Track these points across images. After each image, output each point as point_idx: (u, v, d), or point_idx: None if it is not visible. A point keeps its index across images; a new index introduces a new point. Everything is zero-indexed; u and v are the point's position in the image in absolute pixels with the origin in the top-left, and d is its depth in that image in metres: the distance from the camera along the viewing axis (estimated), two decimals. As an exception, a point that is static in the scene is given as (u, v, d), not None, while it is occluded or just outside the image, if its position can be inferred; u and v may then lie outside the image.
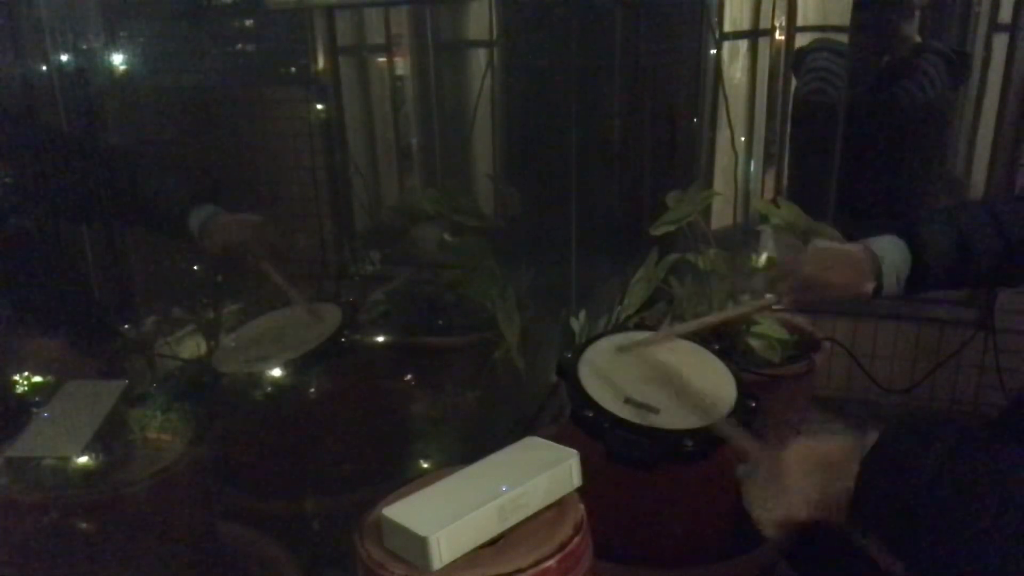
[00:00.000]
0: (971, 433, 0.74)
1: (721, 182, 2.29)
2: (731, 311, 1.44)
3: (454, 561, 0.68)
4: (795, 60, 2.17)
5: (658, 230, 1.58)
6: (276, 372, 1.17)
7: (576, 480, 0.77)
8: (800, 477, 0.80)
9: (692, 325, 1.20)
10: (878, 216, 2.15)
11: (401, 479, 0.81)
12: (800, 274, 1.12)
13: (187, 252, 1.37)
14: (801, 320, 1.77)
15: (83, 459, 0.90)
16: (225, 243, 1.28)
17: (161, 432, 1.00)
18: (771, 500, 0.82)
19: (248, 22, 1.71)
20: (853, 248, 1.11)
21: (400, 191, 2.10)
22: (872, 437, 0.78)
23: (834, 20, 2.18)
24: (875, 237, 1.11)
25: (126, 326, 1.31)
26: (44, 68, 1.10)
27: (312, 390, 1.24)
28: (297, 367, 1.19)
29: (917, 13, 2.12)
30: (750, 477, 0.86)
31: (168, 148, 1.40)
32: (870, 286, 1.08)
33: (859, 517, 0.77)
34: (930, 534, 0.70)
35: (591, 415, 0.93)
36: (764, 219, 1.75)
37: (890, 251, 1.09)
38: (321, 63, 1.86)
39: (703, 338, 1.27)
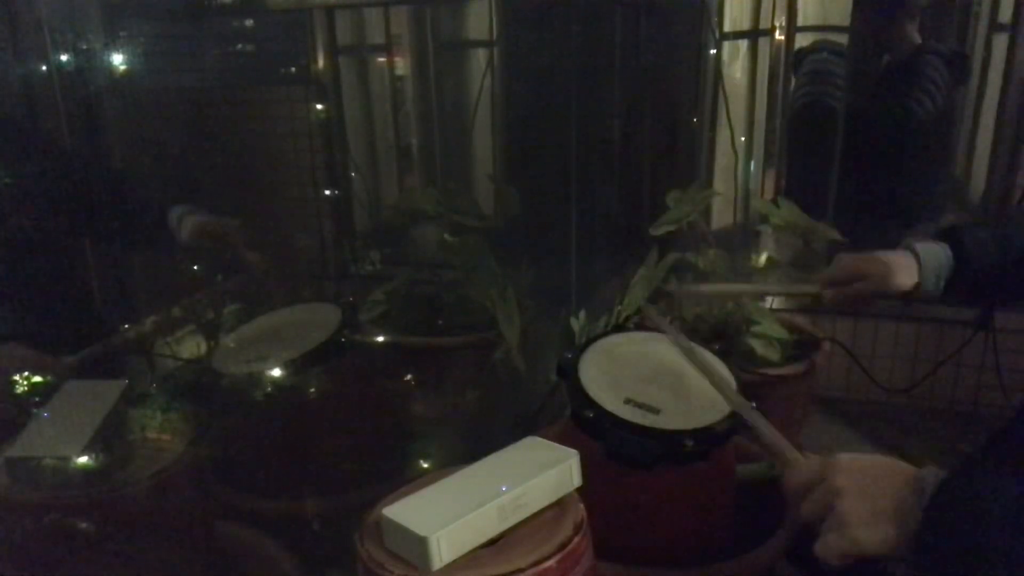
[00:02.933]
0: None
1: (721, 182, 2.28)
2: (770, 287, 1.45)
3: (454, 561, 0.68)
4: (795, 61, 2.17)
5: (658, 230, 1.58)
6: (276, 372, 1.18)
7: (576, 480, 0.77)
8: (862, 504, 0.72)
9: (732, 289, 1.19)
10: (881, 218, 2.15)
11: (401, 479, 0.81)
12: (835, 276, 1.18)
13: (184, 252, 1.37)
14: (801, 320, 1.77)
15: (83, 459, 0.90)
16: (200, 239, 1.31)
17: (161, 432, 1.00)
18: (832, 528, 0.73)
19: (248, 22, 1.71)
20: (890, 252, 1.15)
21: (400, 191, 2.10)
22: (930, 474, 0.71)
23: (834, 20, 2.18)
24: (919, 241, 1.15)
25: (125, 326, 1.31)
26: (44, 68, 1.11)
27: (312, 390, 1.24)
28: (297, 367, 1.19)
29: (918, 13, 2.12)
30: (801, 497, 0.77)
31: (167, 149, 1.40)
32: (907, 284, 1.11)
33: (923, 565, 0.69)
34: None
35: (591, 415, 0.93)
36: (764, 219, 1.75)
37: (932, 251, 1.11)
38: (321, 63, 1.86)
39: (703, 338, 1.27)
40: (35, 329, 1.12)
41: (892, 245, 1.24)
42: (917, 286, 1.12)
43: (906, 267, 1.12)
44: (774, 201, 1.70)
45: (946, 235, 1.13)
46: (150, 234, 1.33)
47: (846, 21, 2.16)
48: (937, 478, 0.71)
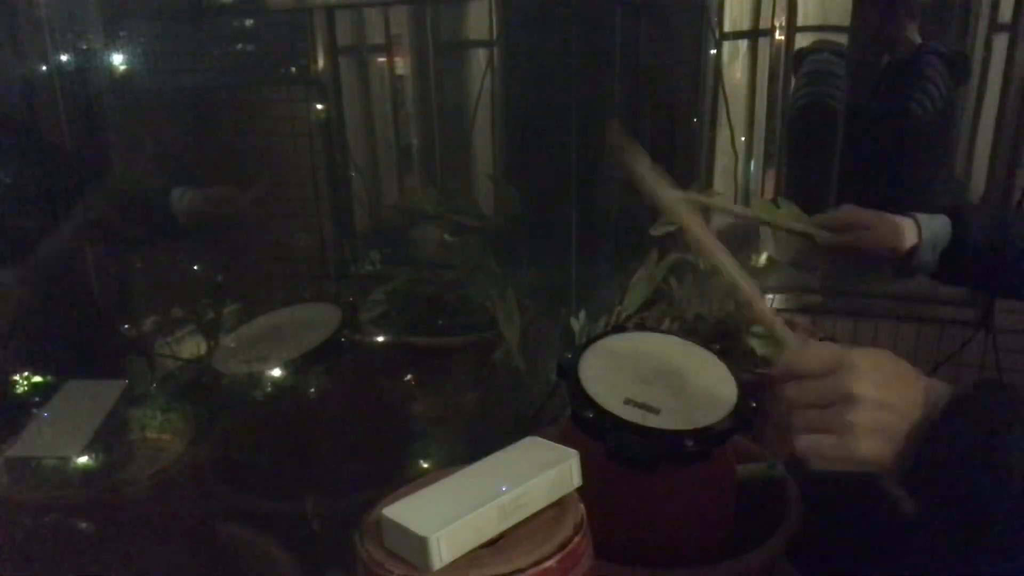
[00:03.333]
0: None
1: (721, 182, 2.29)
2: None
3: (454, 561, 0.68)
4: (795, 61, 2.17)
5: (658, 230, 1.58)
6: (276, 372, 1.18)
7: (576, 480, 0.77)
8: (874, 416, 0.65)
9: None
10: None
11: (401, 479, 0.81)
12: (841, 219, 1.16)
13: (185, 252, 1.37)
14: (801, 320, 1.77)
15: (83, 459, 0.90)
16: (202, 209, 1.30)
17: (161, 432, 1.00)
18: (832, 432, 0.66)
19: (248, 22, 1.71)
20: (892, 215, 1.14)
21: (400, 191, 2.10)
22: (942, 388, 0.67)
23: (834, 20, 2.18)
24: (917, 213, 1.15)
25: (126, 326, 1.31)
26: (44, 68, 1.11)
27: (312, 390, 1.24)
28: (297, 367, 1.19)
29: (919, 13, 2.12)
30: (796, 381, 0.70)
31: (166, 149, 1.40)
32: (905, 245, 1.11)
33: (923, 484, 0.65)
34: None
35: (592, 415, 0.93)
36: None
37: (933, 221, 1.11)
38: (321, 63, 1.86)
39: (703, 338, 1.27)
40: (35, 330, 1.12)
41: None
42: (913, 253, 1.12)
43: (907, 228, 1.12)
44: (774, 201, 1.70)
45: (949, 211, 1.13)
46: (151, 232, 1.33)
47: (846, 21, 2.16)
48: (948, 393, 0.67)
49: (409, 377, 1.56)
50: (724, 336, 1.54)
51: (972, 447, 0.63)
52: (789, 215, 1.63)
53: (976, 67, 2.11)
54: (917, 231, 1.12)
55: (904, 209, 1.16)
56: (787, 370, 0.72)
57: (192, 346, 1.37)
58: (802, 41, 2.15)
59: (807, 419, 0.69)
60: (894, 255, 1.13)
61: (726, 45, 2.23)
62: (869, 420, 0.65)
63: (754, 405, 0.98)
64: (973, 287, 1.43)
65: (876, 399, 0.66)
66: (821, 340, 1.67)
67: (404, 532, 0.68)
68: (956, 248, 1.09)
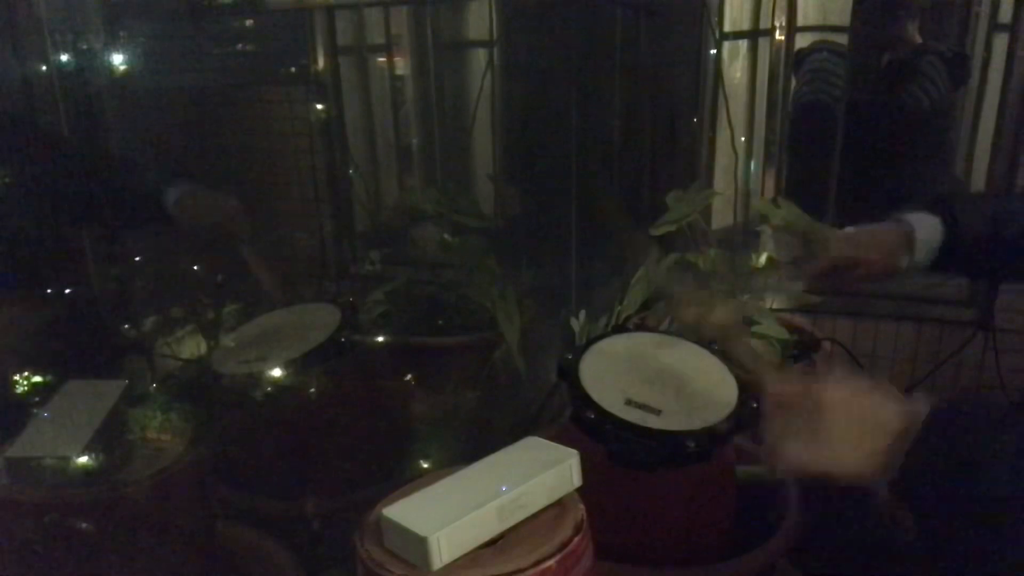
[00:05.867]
0: None
1: (721, 182, 2.28)
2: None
3: (454, 561, 0.68)
4: (795, 61, 2.17)
5: (658, 230, 1.58)
6: (276, 372, 1.17)
7: (576, 480, 0.77)
8: (842, 424, 0.70)
9: None
10: (881, 218, 2.15)
11: (401, 479, 0.81)
12: (832, 258, 1.14)
13: (184, 250, 1.37)
14: (801, 320, 1.77)
15: (83, 459, 0.90)
16: (199, 217, 1.27)
17: (161, 432, 1.00)
18: (802, 440, 0.71)
19: (248, 22, 1.71)
20: (885, 227, 1.12)
21: (400, 191, 2.10)
22: (918, 404, 0.70)
23: (834, 20, 2.18)
24: (908, 213, 1.12)
25: (126, 326, 1.31)
26: (44, 68, 1.11)
27: (312, 390, 1.24)
28: (297, 367, 1.19)
29: (919, 13, 2.12)
30: (779, 410, 0.75)
31: (166, 148, 1.40)
32: (904, 262, 1.09)
33: (907, 494, 0.68)
34: (999, 516, 0.64)
35: (592, 416, 0.93)
36: (764, 219, 1.75)
37: (925, 224, 1.09)
38: (321, 63, 1.86)
39: (703, 339, 1.27)
40: (37, 330, 1.12)
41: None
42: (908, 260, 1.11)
43: (900, 246, 1.10)
44: (774, 201, 1.70)
45: (940, 208, 1.11)
46: (150, 229, 1.32)
47: (846, 21, 2.16)
48: (929, 405, 0.70)
49: (409, 377, 1.56)
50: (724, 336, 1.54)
51: (954, 458, 0.66)
52: (789, 214, 1.63)
53: (976, 67, 2.11)
54: (909, 242, 1.10)
55: (905, 208, 1.13)
56: (770, 399, 0.77)
57: (192, 346, 1.37)
58: (802, 41, 2.15)
59: (780, 426, 0.74)
60: (890, 270, 1.11)
61: (726, 45, 2.23)
62: (845, 428, 0.70)
63: (754, 406, 0.98)
64: (970, 276, 1.41)
65: (850, 408, 0.71)
66: (821, 340, 1.67)
67: (404, 532, 0.68)
68: (950, 244, 1.08)
